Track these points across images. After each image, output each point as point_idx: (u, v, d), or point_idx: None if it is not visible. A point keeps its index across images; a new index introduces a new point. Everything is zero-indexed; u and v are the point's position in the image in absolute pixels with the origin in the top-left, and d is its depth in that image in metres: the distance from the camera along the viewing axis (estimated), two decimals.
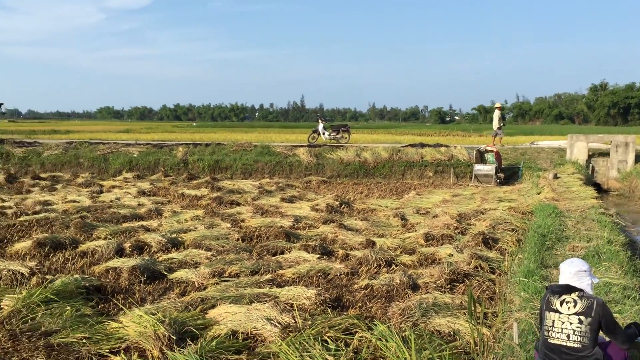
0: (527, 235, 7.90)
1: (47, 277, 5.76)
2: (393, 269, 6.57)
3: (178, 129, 47.03)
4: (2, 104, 20.91)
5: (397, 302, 5.22)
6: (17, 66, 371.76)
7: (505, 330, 4.31)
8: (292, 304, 5.14)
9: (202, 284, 5.91)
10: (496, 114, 19.11)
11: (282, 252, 7.30)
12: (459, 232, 8.45)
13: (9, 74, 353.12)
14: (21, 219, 9.26)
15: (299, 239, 8.00)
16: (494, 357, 3.83)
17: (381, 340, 4.14)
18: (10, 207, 10.41)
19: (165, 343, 4.14)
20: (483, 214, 9.94)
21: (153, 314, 4.60)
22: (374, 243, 7.73)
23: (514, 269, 6.10)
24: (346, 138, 21.38)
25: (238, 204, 11.35)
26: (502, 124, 19.18)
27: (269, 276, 6.14)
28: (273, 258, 7.01)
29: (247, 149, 18.35)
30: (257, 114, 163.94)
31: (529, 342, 3.92)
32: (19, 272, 5.93)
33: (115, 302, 5.35)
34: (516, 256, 6.68)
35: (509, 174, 16.02)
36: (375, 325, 4.45)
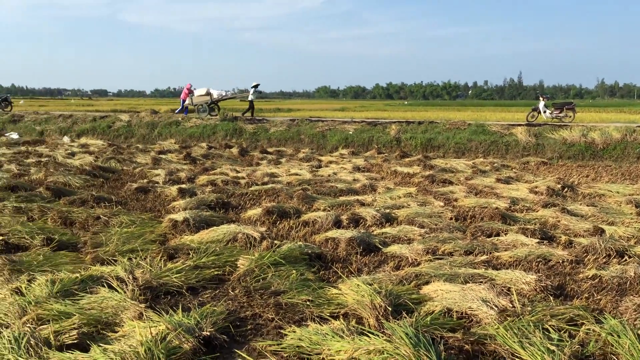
0: None
1: (275, 242, 6.30)
2: (625, 260, 5.94)
3: (390, 107, 47.84)
4: (259, 84, 23.05)
5: (631, 297, 4.72)
6: (249, 50, 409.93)
7: None
8: (509, 287, 4.93)
9: (415, 259, 5.97)
10: None
11: (498, 234, 7.03)
12: None
13: (243, 58, 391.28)
14: (252, 188, 10.22)
15: (516, 222, 7.63)
16: None
17: (612, 336, 3.79)
18: (243, 178, 11.56)
19: (381, 313, 4.28)
20: None
21: (370, 285, 4.77)
22: (602, 231, 7.06)
23: None
24: (570, 117, 19.80)
25: (451, 182, 11.20)
26: None
27: (483, 257, 5.97)
28: (488, 239, 6.79)
29: (460, 127, 17.96)
30: (470, 91, 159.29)
31: None
32: (251, 236, 6.57)
33: (335, 270, 5.67)
34: None
35: None
36: (605, 318, 4.09)
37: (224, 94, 23.84)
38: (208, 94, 23.09)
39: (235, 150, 16.85)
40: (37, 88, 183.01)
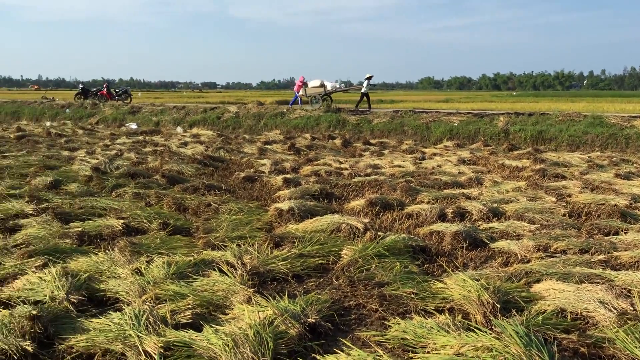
0: None
1: (379, 233, 6.27)
2: None
3: (497, 99, 46.27)
4: (372, 76, 22.95)
5: None
6: (352, 42, 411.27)
7: None
8: (630, 290, 4.61)
9: (525, 256, 5.73)
10: None
11: (617, 233, 6.59)
12: None
13: (346, 50, 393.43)
14: (355, 179, 10.24)
15: (638, 220, 7.12)
16: None
17: None
18: (346, 169, 11.61)
19: (489, 310, 4.15)
20: None
21: (476, 280, 4.64)
22: None
23: None
24: None
25: (564, 177, 10.63)
26: None
27: (601, 257, 5.61)
28: (605, 238, 6.37)
29: (574, 119, 16.98)
30: (585, 81, 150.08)
31: None
32: (355, 227, 6.59)
33: (440, 263, 5.56)
34: None
35: None
36: None
37: (337, 86, 23.93)
38: (322, 85, 23.20)
39: (338, 142, 16.97)
40: (153, 81, 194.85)
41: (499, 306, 4.18)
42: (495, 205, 7.86)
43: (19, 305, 4.29)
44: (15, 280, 4.89)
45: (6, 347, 3.62)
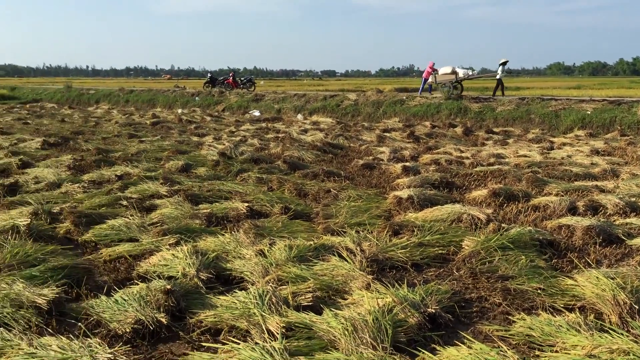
0: None
1: (502, 225, 6.02)
2: None
3: (636, 85, 42.63)
4: (507, 61, 21.85)
5: None
6: (475, 27, 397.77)
7: None
8: None
9: None
10: None
11: None
12: None
13: (470, 35, 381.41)
14: (477, 169, 9.92)
15: None
16: None
17: None
18: (467, 158, 11.28)
19: (625, 310, 3.85)
20: None
21: (611, 278, 4.31)
22: None
23: None
24: None
25: None
26: None
27: None
28: None
29: None
30: None
31: None
32: (477, 217, 6.38)
33: (570, 259, 5.24)
34: None
35: None
36: None
37: (470, 73, 23.10)
38: (454, 72, 22.34)
39: (459, 130, 16.52)
40: (275, 70, 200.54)
41: (637, 307, 3.87)
42: (633, 199, 7.28)
43: (155, 279, 4.61)
44: (152, 256, 5.26)
45: (143, 317, 3.91)
